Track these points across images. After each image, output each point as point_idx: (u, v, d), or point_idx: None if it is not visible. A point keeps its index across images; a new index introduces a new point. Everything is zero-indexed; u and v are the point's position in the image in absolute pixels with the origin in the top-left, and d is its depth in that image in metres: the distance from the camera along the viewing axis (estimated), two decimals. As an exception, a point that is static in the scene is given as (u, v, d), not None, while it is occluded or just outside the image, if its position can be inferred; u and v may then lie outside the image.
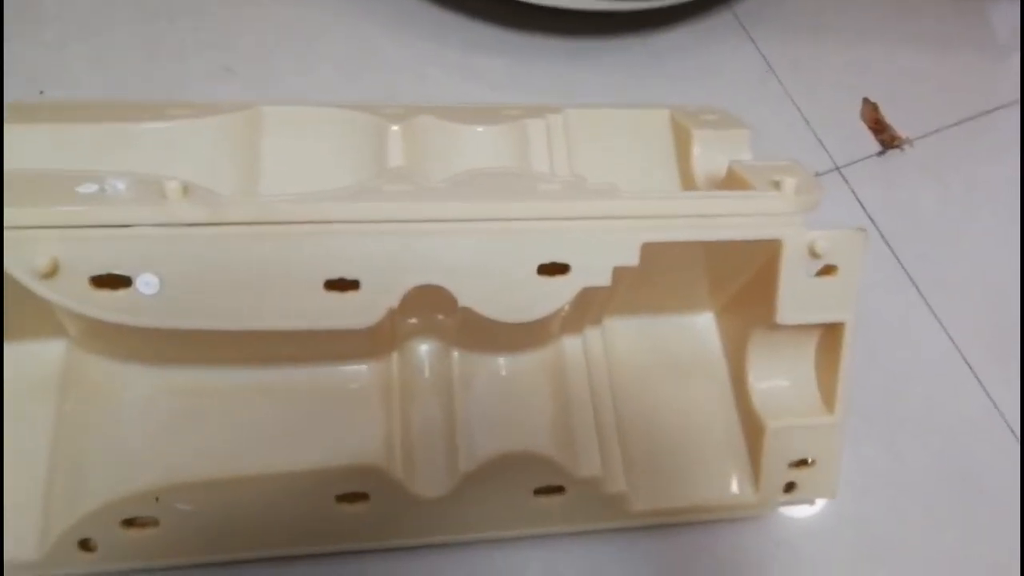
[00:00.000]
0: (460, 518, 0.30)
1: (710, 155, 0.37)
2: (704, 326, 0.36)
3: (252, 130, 0.35)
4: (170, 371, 0.30)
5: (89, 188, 0.27)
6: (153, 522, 0.28)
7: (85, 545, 0.28)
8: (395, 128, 0.35)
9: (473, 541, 0.30)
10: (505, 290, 0.28)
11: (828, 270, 0.32)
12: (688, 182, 0.38)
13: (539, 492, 0.31)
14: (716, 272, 0.34)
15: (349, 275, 0.27)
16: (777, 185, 0.32)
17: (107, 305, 0.26)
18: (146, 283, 0.26)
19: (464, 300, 0.28)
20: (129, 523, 0.28)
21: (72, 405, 0.30)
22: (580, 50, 0.42)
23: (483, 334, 0.31)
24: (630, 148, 0.39)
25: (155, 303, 0.26)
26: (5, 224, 0.25)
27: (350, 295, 0.27)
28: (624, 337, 0.35)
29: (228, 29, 0.39)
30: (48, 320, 0.30)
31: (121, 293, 0.26)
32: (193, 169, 0.34)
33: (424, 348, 0.32)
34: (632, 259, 0.29)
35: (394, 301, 0.27)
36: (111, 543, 0.28)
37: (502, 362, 0.32)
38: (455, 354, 0.32)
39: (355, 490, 0.29)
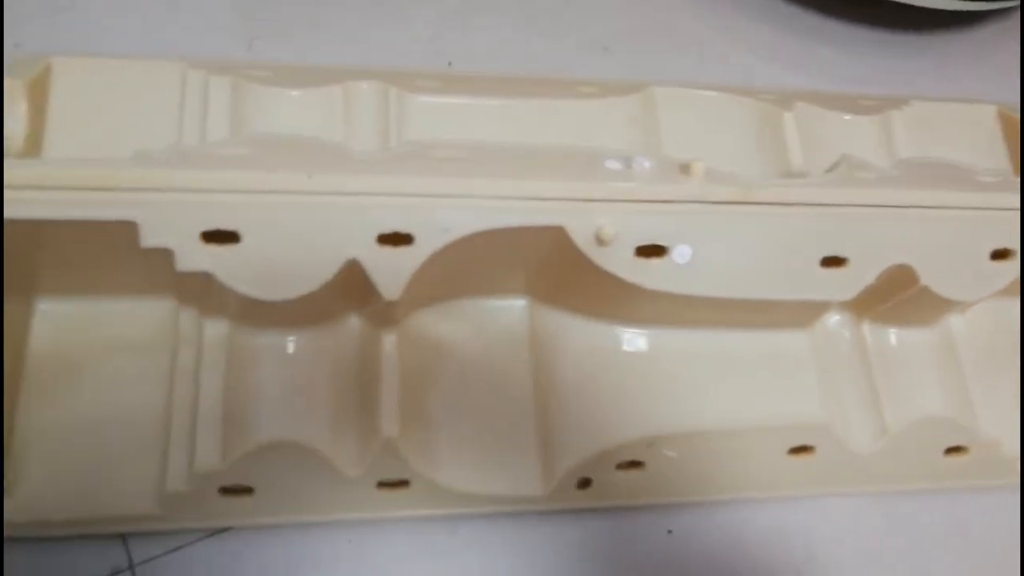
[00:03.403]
0: (885, 471, 0.34)
1: (1052, 152, 0.40)
2: None
3: (649, 110, 0.38)
4: (638, 330, 0.33)
5: (615, 165, 0.30)
6: (640, 465, 0.32)
7: (583, 484, 0.31)
8: (789, 115, 0.38)
9: (889, 492, 0.34)
10: (962, 271, 0.31)
11: None
12: (1027, 176, 0.41)
13: (948, 452, 0.34)
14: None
15: (841, 253, 0.30)
16: None
17: (648, 273, 0.29)
18: (681, 254, 0.29)
19: (926, 279, 0.31)
20: (619, 466, 0.31)
21: (541, 358, 0.33)
22: (897, 42, 0.45)
23: (904, 311, 0.34)
24: (959, 142, 0.42)
25: (686, 273, 0.29)
26: (561, 194, 0.28)
27: (838, 271, 0.30)
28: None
29: (604, 7, 0.41)
30: (509, 278, 0.33)
31: (657, 262, 0.29)
32: (608, 145, 0.37)
33: (837, 319, 0.35)
34: (1061, 247, 0.33)
35: (872, 278, 0.31)
36: (605, 482, 0.31)
37: (894, 332, 0.36)
38: (865, 325, 0.35)
39: (804, 444, 0.32)
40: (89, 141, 0.33)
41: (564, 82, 0.38)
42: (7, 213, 0.25)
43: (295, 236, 0.26)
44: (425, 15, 0.40)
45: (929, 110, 0.41)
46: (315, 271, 0.27)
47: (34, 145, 0.32)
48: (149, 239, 0.25)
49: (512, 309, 0.34)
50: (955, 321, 0.36)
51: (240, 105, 0.34)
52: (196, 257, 0.26)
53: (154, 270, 0.30)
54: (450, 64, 0.38)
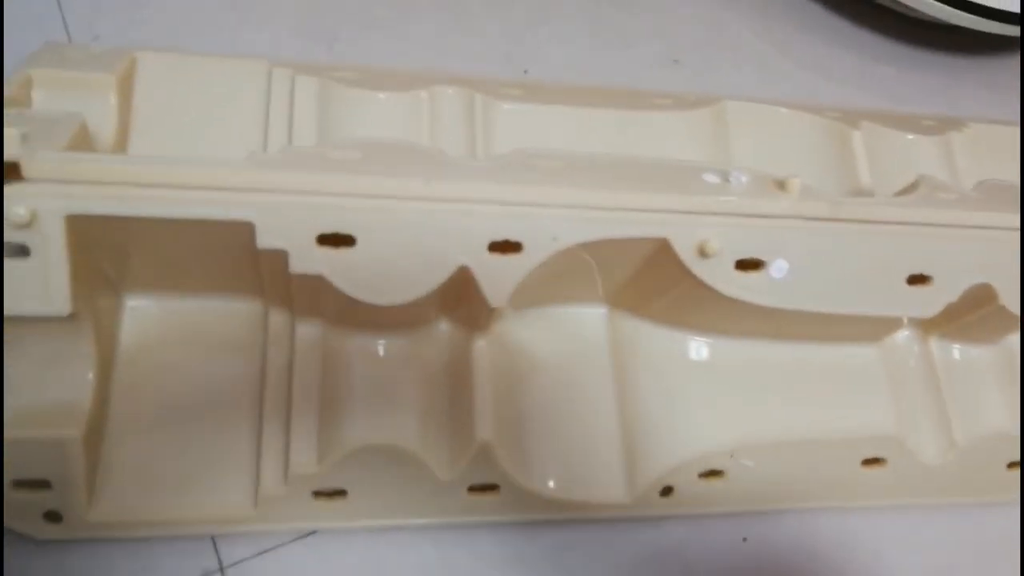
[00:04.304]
0: (952, 484, 0.34)
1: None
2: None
3: (720, 124, 0.39)
4: (717, 340, 0.34)
5: (713, 178, 0.30)
6: (720, 474, 0.32)
7: (665, 491, 0.32)
8: (857, 133, 0.39)
9: (954, 504, 0.35)
10: (1038, 292, 0.32)
11: None
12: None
13: (1010, 466, 0.35)
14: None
15: (927, 271, 0.31)
16: None
17: (746, 286, 0.29)
18: (778, 268, 0.29)
19: (1004, 299, 0.32)
20: (701, 474, 0.32)
21: (622, 366, 0.33)
22: (959, 66, 0.46)
23: (973, 328, 0.35)
24: (1014, 164, 0.43)
25: (781, 287, 0.30)
26: (666, 207, 0.29)
27: (924, 289, 0.31)
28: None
29: (673, 21, 0.42)
30: (592, 287, 0.33)
31: (755, 276, 0.29)
32: (680, 156, 0.38)
33: (906, 334, 0.36)
34: None
35: (955, 296, 0.31)
36: (686, 491, 0.32)
37: (958, 348, 0.37)
38: (932, 341, 0.36)
39: (876, 456, 0.33)
40: (174, 137, 0.33)
41: (639, 93, 0.38)
42: (120, 209, 0.25)
43: (409, 242, 0.26)
44: (498, 23, 0.40)
45: (985, 132, 0.42)
46: (426, 277, 0.27)
47: (121, 140, 0.32)
48: (265, 240, 0.25)
49: (592, 317, 0.34)
50: (1013, 339, 0.37)
51: (326, 106, 0.34)
52: (310, 260, 0.26)
53: (246, 270, 0.30)
54: (526, 72, 0.39)
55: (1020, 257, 0.32)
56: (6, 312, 0.25)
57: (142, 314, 0.31)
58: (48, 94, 0.31)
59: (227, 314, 0.31)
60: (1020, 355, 0.37)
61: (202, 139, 0.33)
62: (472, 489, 0.30)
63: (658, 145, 0.37)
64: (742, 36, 0.43)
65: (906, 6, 0.44)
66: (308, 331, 0.31)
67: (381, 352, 0.32)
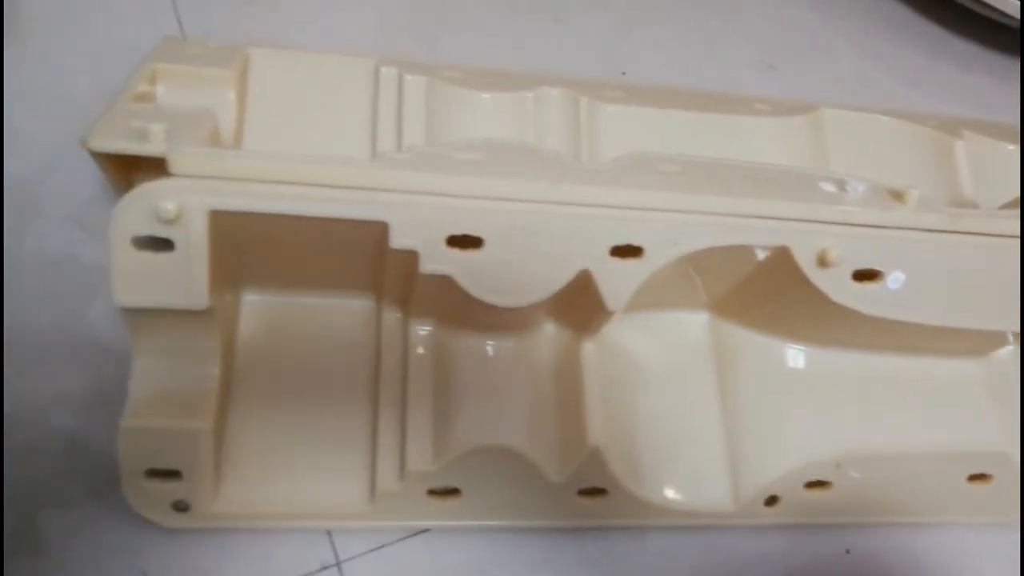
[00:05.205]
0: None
1: None
2: None
3: (818, 131, 0.38)
4: (819, 350, 0.33)
5: (830, 187, 0.30)
6: (826, 485, 0.32)
7: (770, 501, 0.32)
8: (959, 143, 0.38)
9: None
10: None
11: None
12: None
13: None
14: None
15: (1045, 286, 0.31)
16: None
17: (862, 297, 0.29)
18: (896, 279, 0.29)
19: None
20: (807, 485, 0.32)
21: (725, 373, 0.33)
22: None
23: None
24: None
25: (897, 298, 0.29)
26: (787, 214, 0.29)
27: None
28: None
29: (767, 25, 0.42)
30: (696, 293, 0.33)
31: (872, 287, 0.29)
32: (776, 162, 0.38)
33: (1011, 349, 0.35)
34: None
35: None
36: (792, 500, 0.32)
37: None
38: (1032, 356, 0.36)
39: (983, 472, 0.33)
40: (285, 133, 0.33)
41: (739, 99, 0.38)
42: (262, 206, 0.25)
43: (534, 244, 0.27)
44: (596, 24, 0.40)
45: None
46: (549, 279, 0.27)
47: (238, 135, 0.33)
48: (398, 240, 0.26)
49: (694, 323, 0.34)
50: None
51: (433, 105, 0.34)
52: (440, 260, 0.26)
53: (364, 268, 0.31)
54: (624, 74, 0.39)
55: (1020, 259, 0.32)
56: (145, 304, 0.26)
57: (258, 309, 0.31)
58: (170, 89, 0.32)
59: (340, 312, 0.32)
60: (1020, 358, 0.36)
61: (312, 135, 0.34)
62: (582, 493, 0.31)
63: (757, 150, 0.37)
64: (835, 41, 0.43)
65: (1005, 14, 0.43)
66: (421, 330, 0.31)
67: (490, 352, 0.32)
